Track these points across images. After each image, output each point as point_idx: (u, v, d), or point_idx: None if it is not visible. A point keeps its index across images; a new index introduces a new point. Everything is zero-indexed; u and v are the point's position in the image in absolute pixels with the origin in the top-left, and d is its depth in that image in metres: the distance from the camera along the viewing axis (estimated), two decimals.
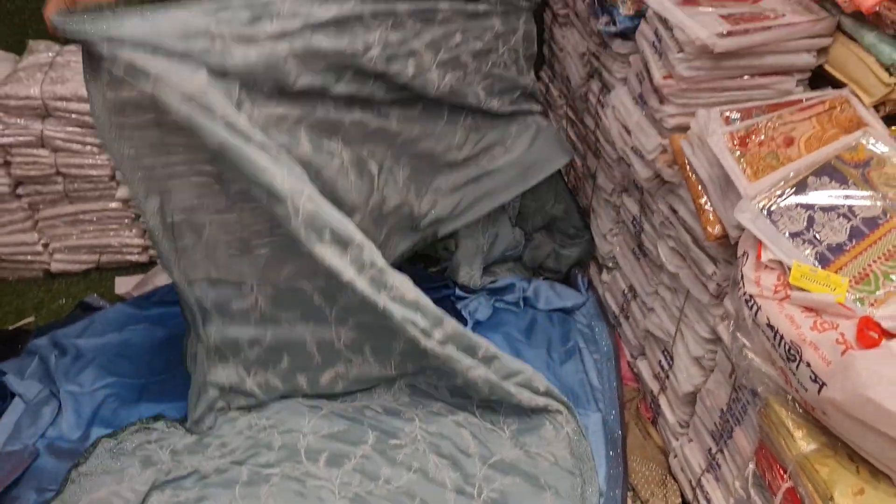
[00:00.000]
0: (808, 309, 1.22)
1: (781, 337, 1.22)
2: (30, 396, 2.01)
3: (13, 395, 2.01)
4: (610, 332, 2.21)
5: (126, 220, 2.61)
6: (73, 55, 2.52)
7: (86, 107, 2.35)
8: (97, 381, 2.06)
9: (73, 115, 2.38)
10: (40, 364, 2.11)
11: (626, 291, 2.13)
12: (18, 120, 2.36)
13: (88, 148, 2.44)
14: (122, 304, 2.38)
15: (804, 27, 1.57)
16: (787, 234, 1.30)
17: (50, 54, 2.53)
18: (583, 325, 2.23)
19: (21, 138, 2.38)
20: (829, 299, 1.19)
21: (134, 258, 2.67)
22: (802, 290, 1.23)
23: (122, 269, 2.69)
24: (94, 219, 2.59)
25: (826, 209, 1.32)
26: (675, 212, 1.72)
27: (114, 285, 2.60)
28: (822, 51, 1.61)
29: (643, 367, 2.05)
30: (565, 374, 2.07)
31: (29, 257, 2.61)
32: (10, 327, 2.41)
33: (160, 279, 2.46)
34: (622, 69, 1.98)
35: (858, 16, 1.52)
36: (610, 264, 2.26)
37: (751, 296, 1.28)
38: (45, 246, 2.62)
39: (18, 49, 2.61)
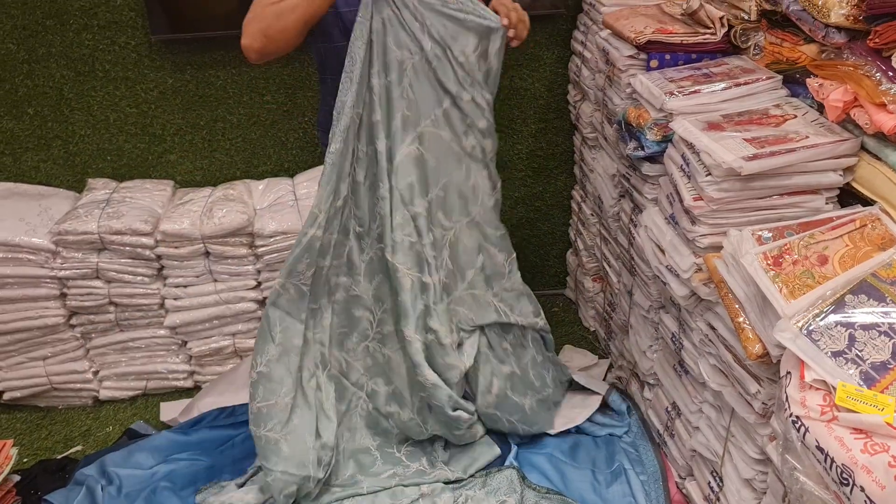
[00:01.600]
0: (858, 430, 1.21)
1: (832, 460, 1.20)
2: None
3: None
4: (656, 452, 2.16)
5: (173, 347, 2.68)
6: (129, 191, 2.68)
7: (139, 239, 2.48)
8: None
9: (127, 248, 2.50)
10: (87, 495, 2.13)
11: (669, 409, 2.11)
12: (76, 254, 2.49)
13: (140, 278, 2.55)
14: (168, 431, 2.41)
15: (828, 148, 1.62)
16: (829, 354, 1.30)
17: (107, 191, 2.69)
18: (627, 444, 2.20)
19: (78, 271, 2.50)
20: (878, 420, 1.17)
21: (179, 383, 2.73)
22: (850, 410, 1.21)
23: (167, 394, 2.74)
24: (143, 346, 2.67)
25: (867, 327, 1.32)
26: (714, 329, 1.73)
27: (160, 411, 2.64)
28: (849, 169, 1.65)
29: (692, 488, 2.00)
30: (612, 498, 2.03)
31: (79, 385, 2.68)
32: (58, 456, 2.44)
33: (204, 403, 2.50)
34: (653, 190, 2.04)
35: (881, 136, 1.56)
36: (651, 381, 2.24)
37: (797, 417, 1.27)
38: (95, 374, 2.69)
39: (79, 187, 2.79)
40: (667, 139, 1.91)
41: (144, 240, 2.49)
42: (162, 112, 2.77)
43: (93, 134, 2.77)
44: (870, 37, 1.58)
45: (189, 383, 2.74)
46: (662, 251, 1.89)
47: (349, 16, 1.93)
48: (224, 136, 2.84)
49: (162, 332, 2.64)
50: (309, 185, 2.70)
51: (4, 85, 2.66)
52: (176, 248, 2.51)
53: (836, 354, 1.29)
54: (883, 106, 1.53)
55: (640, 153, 1.99)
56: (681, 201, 1.78)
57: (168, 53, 2.68)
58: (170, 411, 2.61)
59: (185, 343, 2.68)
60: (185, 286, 2.60)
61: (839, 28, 1.69)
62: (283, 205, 2.62)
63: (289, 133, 2.86)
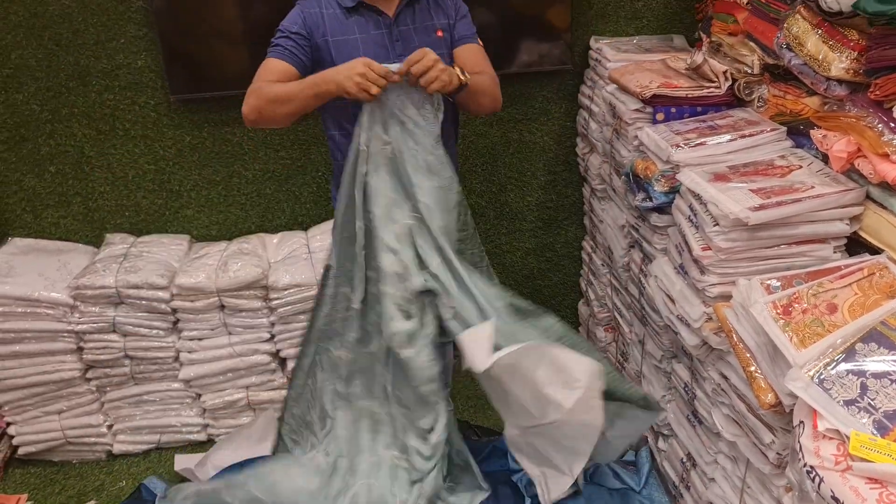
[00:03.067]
0: (873, 479, 1.20)
1: None
2: None
3: None
4: None
5: (187, 400, 2.69)
6: (146, 246, 2.73)
7: (155, 293, 2.52)
8: None
9: (143, 302, 2.53)
10: None
11: (684, 460, 2.09)
12: (94, 308, 2.53)
13: (155, 332, 2.58)
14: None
15: (833, 198, 1.64)
16: (841, 403, 1.30)
17: (125, 246, 2.74)
18: (644, 497, 2.17)
19: (95, 325, 2.53)
20: (893, 470, 1.17)
21: (193, 437, 2.73)
22: (864, 460, 1.21)
23: (181, 447, 2.74)
24: (157, 399, 2.68)
25: (878, 376, 1.32)
26: (726, 379, 1.73)
27: (173, 464, 2.64)
28: (855, 218, 1.67)
29: None
30: None
31: (93, 439, 2.69)
32: None
33: (219, 457, 2.49)
34: (662, 241, 2.06)
35: (885, 185, 1.59)
36: (665, 431, 2.23)
37: (812, 467, 1.27)
38: (109, 427, 2.70)
39: (98, 242, 2.84)
40: (674, 190, 1.94)
41: (161, 293, 2.53)
42: (179, 168, 2.83)
43: (112, 190, 2.84)
44: (870, 89, 1.63)
45: (203, 436, 2.74)
46: (673, 301, 1.91)
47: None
48: (239, 190, 2.89)
49: (176, 384, 2.66)
50: (322, 239, 2.74)
51: (27, 144, 2.73)
52: (191, 301, 2.55)
53: (848, 403, 1.29)
54: (886, 156, 1.56)
55: (649, 204, 2.02)
56: (689, 251, 1.80)
57: (186, 112, 2.75)
58: (184, 462, 2.61)
59: (199, 396, 2.69)
60: (199, 339, 2.62)
61: (840, 81, 1.73)
62: (297, 258, 2.66)
63: (302, 187, 2.91)
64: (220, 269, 2.57)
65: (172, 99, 2.71)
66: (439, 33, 1.98)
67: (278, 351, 2.66)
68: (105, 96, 2.70)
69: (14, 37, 2.59)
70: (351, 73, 1.74)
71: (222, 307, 2.59)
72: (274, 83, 1.87)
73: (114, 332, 2.56)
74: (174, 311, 2.58)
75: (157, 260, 2.63)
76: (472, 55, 2.03)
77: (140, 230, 2.90)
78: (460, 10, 2.05)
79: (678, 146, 1.96)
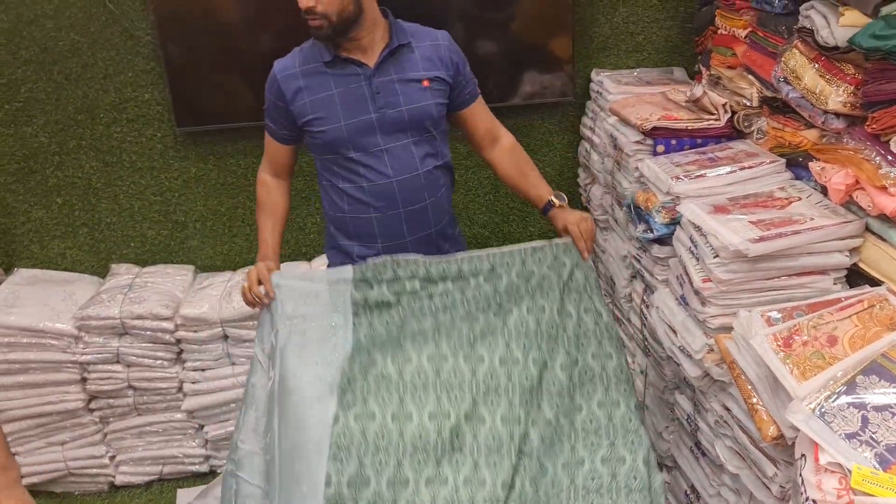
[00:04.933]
0: None
1: None
2: None
3: None
4: None
5: (190, 431, 2.69)
6: (151, 277, 2.75)
7: (159, 324, 2.53)
8: None
9: (148, 332, 2.54)
10: None
11: (688, 492, 2.08)
12: (98, 338, 2.54)
13: (159, 362, 2.58)
14: None
15: (833, 230, 1.65)
16: (842, 436, 1.29)
17: (130, 276, 2.76)
18: None
19: (99, 355, 2.54)
20: None
21: (195, 468, 2.72)
22: (866, 494, 1.20)
23: (183, 479, 2.73)
24: (160, 430, 2.68)
25: (879, 409, 1.32)
26: (728, 410, 1.72)
27: (175, 496, 2.63)
28: (855, 250, 1.68)
29: None
30: None
31: (95, 471, 2.68)
32: None
33: (220, 490, 2.48)
34: (663, 272, 2.07)
35: (884, 217, 1.60)
36: (668, 463, 2.22)
37: (814, 501, 1.26)
38: (112, 458, 2.70)
39: (104, 273, 2.86)
40: (675, 222, 1.95)
41: (165, 324, 2.54)
42: (185, 200, 2.86)
43: (118, 221, 2.86)
44: (867, 122, 1.64)
45: (205, 468, 2.73)
46: (675, 332, 1.91)
47: None
48: (244, 221, 2.92)
49: (179, 415, 2.66)
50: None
51: (35, 176, 2.77)
52: (195, 332, 2.56)
53: (849, 436, 1.29)
54: (884, 189, 1.57)
55: (650, 235, 2.03)
56: (690, 282, 1.80)
57: (192, 144, 2.79)
58: (186, 497, 2.60)
59: (202, 427, 2.69)
60: (203, 370, 2.62)
61: (837, 114, 1.75)
62: None
63: (307, 218, 2.94)
64: (223, 300, 2.58)
65: (178, 131, 2.75)
66: (425, 83, 1.86)
67: None
68: (112, 129, 2.74)
69: (24, 71, 2.63)
70: (246, 279, 1.83)
71: (226, 337, 2.60)
72: (263, 186, 2.01)
73: (118, 362, 2.57)
74: (178, 341, 2.59)
75: (162, 290, 2.65)
76: (487, 116, 2.03)
77: (145, 260, 2.92)
78: (460, 62, 1.93)
79: (678, 178, 1.97)
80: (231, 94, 2.70)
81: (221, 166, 2.83)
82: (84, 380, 2.59)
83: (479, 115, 2.02)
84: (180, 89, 2.65)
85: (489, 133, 2.03)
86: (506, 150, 2.04)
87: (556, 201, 1.94)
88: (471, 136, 2.05)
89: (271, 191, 2.00)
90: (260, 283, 1.81)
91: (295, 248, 2.97)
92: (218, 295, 2.63)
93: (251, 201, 2.88)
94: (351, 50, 1.83)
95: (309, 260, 2.93)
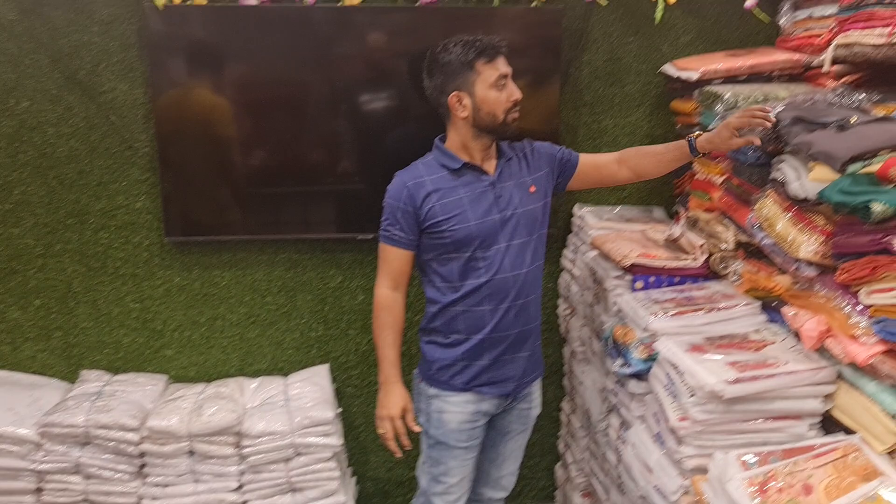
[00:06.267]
0: None
1: None
2: None
3: None
4: None
5: None
6: (121, 385, 2.69)
7: (124, 434, 2.45)
8: None
9: (111, 443, 2.46)
10: None
11: None
12: (59, 447, 2.46)
13: (119, 475, 2.49)
14: None
15: (806, 375, 1.68)
16: None
17: (99, 384, 2.70)
18: None
19: (58, 465, 2.45)
20: None
21: None
22: None
23: None
24: None
25: None
26: None
27: None
28: (829, 396, 1.70)
29: None
30: None
31: None
32: None
33: None
34: (639, 408, 2.07)
35: (856, 366, 1.62)
36: None
37: None
38: None
39: (74, 378, 2.80)
40: (652, 358, 1.97)
41: (129, 435, 2.46)
42: (165, 308, 2.85)
43: (94, 326, 2.84)
44: (837, 273, 1.69)
45: None
46: (650, 471, 1.89)
47: None
48: (222, 333, 2.90)
49: None
50: (301, 386, 2.72)
51: (16, 277, 2.76)
52: (161, 445, 2.48)
53: None
54: (854, 338, 1.61)
55: (627, 370, 2.04)
56: (667, 420, 1.80)
57: (178, 254, 2.81)
58: None
59: None
60: (164, 485, 2.53)
61: (809, 262, 1.81)
62: (274, 405, 2.62)
63: (286, 333, 2.93)
64: (194, 413, 2.52)
65: (166, 240, 2.77)
66: (532, 189, 2.11)
67: (245, 502, 2.56)
68: (100, 234, 2.77)
69: (20, 174, 2.68)
70: (382, 415, 2.10)
71: (191, 453, 2.52)
72: (384, 307, 2.12)
73: (76, 473, 2.47)
74: (142, 454, 2.50)
75: (131, 400, 2.58)
76: (594, 155, 2.27)
77: (118, 368, 2.87)
78: (549, 149, 2.20)
79: (656, 315, 2.01)
80: (222, 207, 2.75)
81: (205, 277, 2.84)
82: (39, 490, 2.48)
83: (590, 159, 2.24)
84: (172, 199, 2.70)
85: (607, 165, 2.23)
86: (627, 159, 2.21)
87: (693, 136, 2.07)
88: (603, 178, 2.27)
89: (392, 308, 2.12)
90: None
91: (272, 364, 2.94)
92: (188, 407, 2.57)
93: (232, 313, 2.88)
94: (478, 158, 2.06)
95: (285, 375, 2.89)
